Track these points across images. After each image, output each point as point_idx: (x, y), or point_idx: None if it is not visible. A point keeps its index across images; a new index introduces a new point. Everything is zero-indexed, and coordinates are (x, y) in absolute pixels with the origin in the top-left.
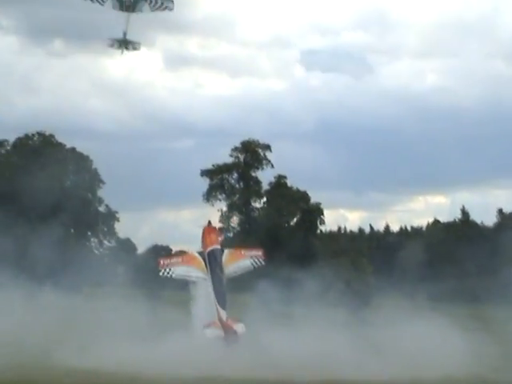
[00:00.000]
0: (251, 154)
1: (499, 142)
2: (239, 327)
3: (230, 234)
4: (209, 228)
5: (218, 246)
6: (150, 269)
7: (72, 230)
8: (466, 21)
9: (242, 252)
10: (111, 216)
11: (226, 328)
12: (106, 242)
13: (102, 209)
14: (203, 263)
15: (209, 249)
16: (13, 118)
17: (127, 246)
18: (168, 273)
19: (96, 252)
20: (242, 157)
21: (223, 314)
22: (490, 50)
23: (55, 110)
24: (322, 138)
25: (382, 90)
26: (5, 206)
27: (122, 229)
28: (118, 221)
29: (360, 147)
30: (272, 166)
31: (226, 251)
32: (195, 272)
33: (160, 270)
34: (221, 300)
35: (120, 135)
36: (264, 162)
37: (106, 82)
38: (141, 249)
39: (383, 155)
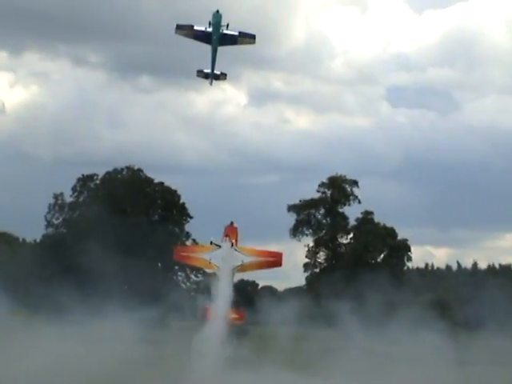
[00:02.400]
0: (338, 189)
1: None
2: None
3: (317, 270)
4: (231, 227)
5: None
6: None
7: (159, 264)
8: None
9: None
10: None
11: None
12: (192, 276)
13: (189, 243)
14: None
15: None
16: (100, 152)
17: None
18: None
19: (183, 286)
20: (328, 192)
21: None
22: None
23: (142, 145)
24: (409, 174)
25: (469, 127)
26: (93, 240)
27: None
28: None
29: (446, 184)
30: (359, 201)
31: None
32: None
33: None
34: None
35: (206, 170)
36: (351, 197)
37: (191, 117)
38: None
39: (470, 192)
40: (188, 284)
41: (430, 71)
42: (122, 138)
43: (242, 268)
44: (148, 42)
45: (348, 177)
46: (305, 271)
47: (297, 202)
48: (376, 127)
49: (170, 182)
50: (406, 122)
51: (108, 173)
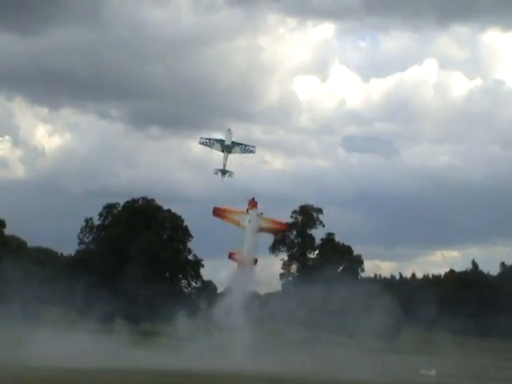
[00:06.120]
0: (307, 216)
1: (498, 209)
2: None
3: (290, 279)
4: (253, 201)
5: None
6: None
7: (167, 274)
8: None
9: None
10: (197, 263)
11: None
12: (193, 283)
13: (190, 257)
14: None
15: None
16: (119, 186)
17: (210, 286)
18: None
19: (185, 291)
20: (299, 218)
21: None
22: (490, 138)
23: (151, 180)
24: (360, 204)
25: (406, 168)
26: (117, 254)
27: (206, 273)
28: (203, 266)
29: (390, 212)
30: (323, 225)
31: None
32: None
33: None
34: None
35: (202, 200)
36: (317, 222)
37: (190, 158)
38: (220, 289)
39: (408, 218)
40: (189, 289)
41: (376, 124)
42: (136, 175)
43: (260, 229)
44: (156, 100)
45: (314, 206)
46: (281, 279)
47: None
48: (334, 167)
49: (175, 209)
50: (357, 163)
51: (127, 202)
